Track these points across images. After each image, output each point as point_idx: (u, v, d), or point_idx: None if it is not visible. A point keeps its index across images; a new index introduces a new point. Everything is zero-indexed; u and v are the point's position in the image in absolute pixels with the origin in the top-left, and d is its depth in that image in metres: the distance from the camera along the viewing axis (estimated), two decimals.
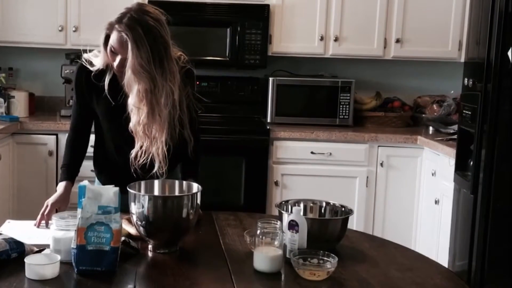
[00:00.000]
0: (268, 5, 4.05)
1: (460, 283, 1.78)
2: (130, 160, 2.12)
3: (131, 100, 2.05)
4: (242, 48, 4.05)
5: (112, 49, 2.06)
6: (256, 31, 4.05)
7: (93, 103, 2.25)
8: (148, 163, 2.11)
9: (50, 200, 2.16)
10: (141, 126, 2.06)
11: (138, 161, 2.10)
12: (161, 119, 2.06)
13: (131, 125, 2.09)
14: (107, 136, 2.29)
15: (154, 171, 2.10)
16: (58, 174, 3.78)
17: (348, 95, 4.10)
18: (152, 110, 2.03)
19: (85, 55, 2.22)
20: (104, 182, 2.32)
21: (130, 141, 2.12)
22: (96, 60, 2.18)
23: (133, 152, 2.11)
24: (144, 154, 2.09)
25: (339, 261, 1.70)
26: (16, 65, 4.32)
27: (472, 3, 3.19)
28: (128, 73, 2.00)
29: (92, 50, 2.24)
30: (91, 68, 2.19)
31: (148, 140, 2.08)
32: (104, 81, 2.16)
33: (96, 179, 2.42)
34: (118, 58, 2.06)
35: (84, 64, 2.21)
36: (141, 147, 2.10)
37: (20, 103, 4.02)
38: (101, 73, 2.18)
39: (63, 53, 4.13)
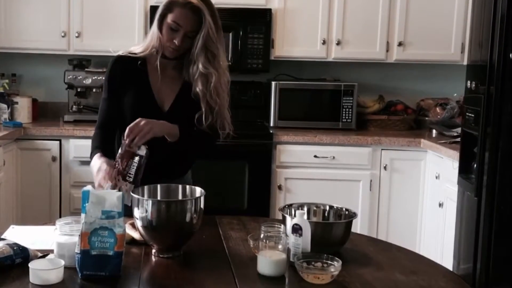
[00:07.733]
0: (270, 10, 4.06)
1: (465, 286, 1.77)
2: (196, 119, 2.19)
3: (201, 66, 2.14)
4: (245, 53, 4.06)
5: (173, 26, 2.12)
6: (258, 35, 4.05)
7: (125, 95, 2.24)
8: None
9: (102, 166, 2.05)
10: (212, 88, 2.15)
11: (206, 122, 2.18)
12: (225, 89, 2.20)
13: (197, 89, 2.16)
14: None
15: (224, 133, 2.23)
16: (62, 179, 3.84)
17: (351, 98, 4.10)
18: (219, 75, 2.17)
19: (120, 52, 2.28)
20: None
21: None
22: (137, 48, 2.24)
23: (202, 113, 2.18)
24: (211, 114, 2.18)
25: (343, 265, 1.70)
26: (19, 71, 4.33)
27: (474, 6, 3.20)
28: (200, 42, 2.13)
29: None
30: (133, 53, 2.23)
31: (216, 104, 2.18)
32: (142, 66, 2.22)
33: None
34: (180, 34, 2.13)
35: (121, 54, 2.26)
36: (209, 108, 2.17)
37: (23, 109, 4.03)
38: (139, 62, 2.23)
39: (66, 58, 4.14)
